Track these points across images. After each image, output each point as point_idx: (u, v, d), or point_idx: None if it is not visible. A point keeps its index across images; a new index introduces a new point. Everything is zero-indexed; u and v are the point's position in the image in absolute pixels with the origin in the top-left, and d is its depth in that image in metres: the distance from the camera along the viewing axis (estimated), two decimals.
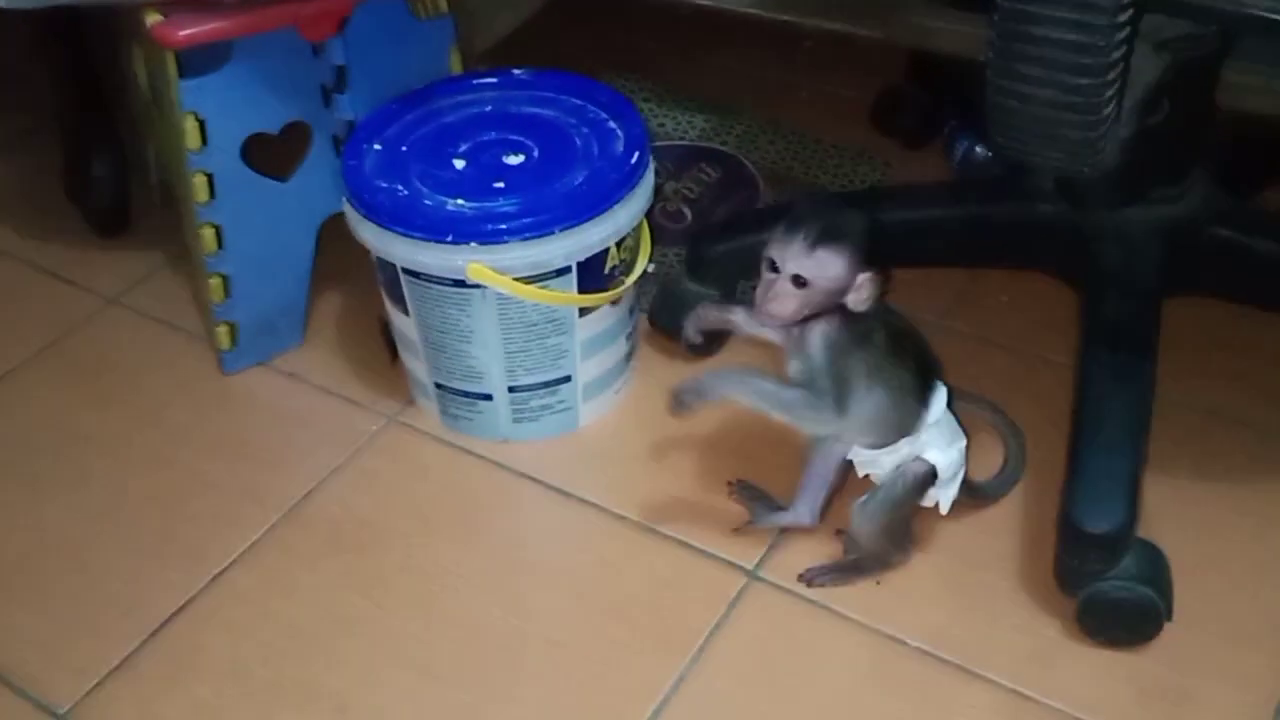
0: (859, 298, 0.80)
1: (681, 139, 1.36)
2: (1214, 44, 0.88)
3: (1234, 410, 1.01)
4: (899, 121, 1.34)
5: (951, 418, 0.87)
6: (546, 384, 1.00)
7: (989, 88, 0.70)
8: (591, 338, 1.00)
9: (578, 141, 1.00)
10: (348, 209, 0.98)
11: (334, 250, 1.08)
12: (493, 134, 1.01)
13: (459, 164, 0.98)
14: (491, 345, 0.97)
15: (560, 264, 0.93)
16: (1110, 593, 0.80)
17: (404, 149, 1.00)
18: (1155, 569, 0.81)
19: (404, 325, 1.01)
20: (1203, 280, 0.97)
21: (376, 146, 1.00)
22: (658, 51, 1.51)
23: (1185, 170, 0.95)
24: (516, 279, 0.93)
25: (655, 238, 1.08)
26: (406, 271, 0.95)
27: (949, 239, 1.07)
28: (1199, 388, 1.01)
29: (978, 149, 1.27)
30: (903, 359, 0.83)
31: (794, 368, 0.85)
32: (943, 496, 0.88)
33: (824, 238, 0.79)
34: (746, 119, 1.39)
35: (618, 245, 0.97)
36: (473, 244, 0.91)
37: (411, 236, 0.92)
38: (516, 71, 1.07)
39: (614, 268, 0.98)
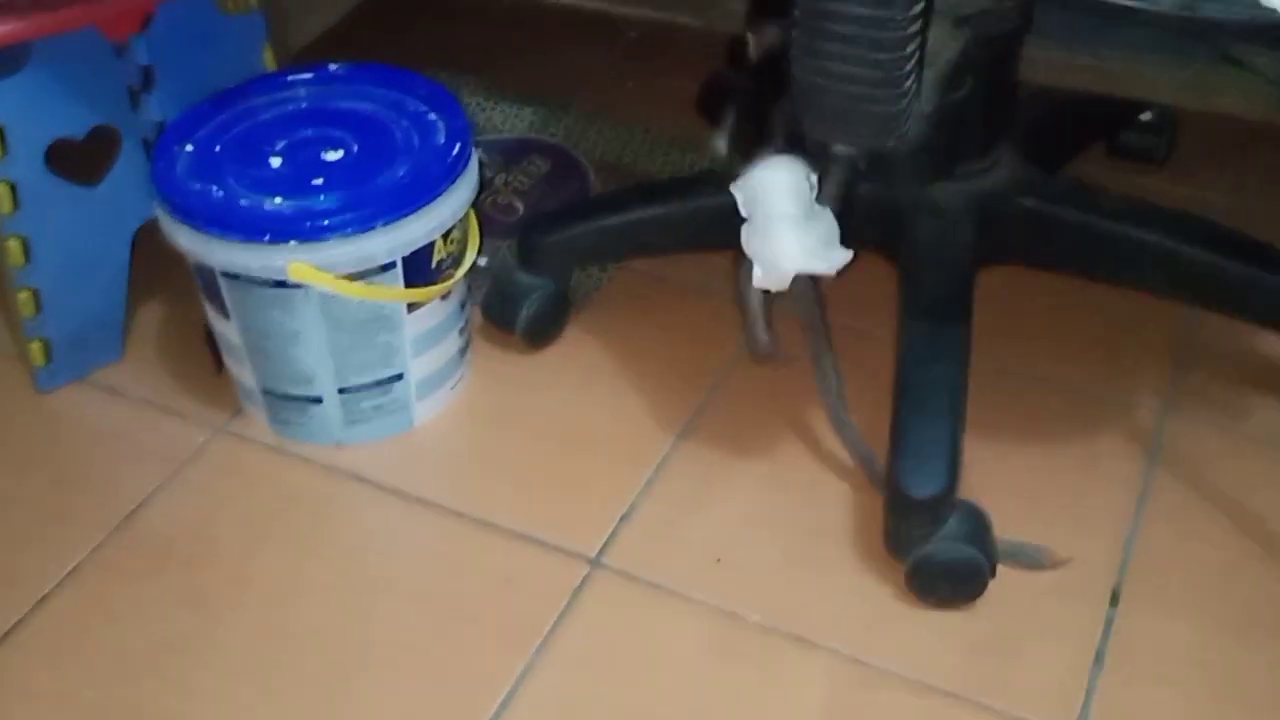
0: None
1: (510, 132, 1.36)
2: (1015, 20, 0.91)
3: (1047, 374, 1.05)
4: (723, 114, 1.35)
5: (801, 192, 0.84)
6: (378, 383, 0.99)
7: (794, 69, 0.71)
8: (422, 334, 0.98)
9: (398, 135, 0.98)
10: (160, 213, 0.94)
11: (151, 257, 1.04)
12: (310, 131, 0.99)
13: (275, 162, 0.96)
14: (318, 346, 0.95)
15: (384, 259, 0.92)
16: (936, 555, 0.83)
17: (217, 149, 0.97)
18: (978, 529, 0.84)
19: (226, 331, 0.98)
20: (1013, 250, 1.01)
21: (188, 148, 0.97)
22: (481, 48, 1.50)
23: (992, 145, 0.99)
24: (340, 276, 0.91)
25: (486, 230, 1.07)
26: (225, 275, 0.93)
27: None
28: (1014, 353, 1.05)
29: None
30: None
31: None
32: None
33: None
34: (575, 111, 1.39)
35: (444, 238, 0.96)
36: (292, 242, 0.89)
37: (228, 238, 0.90)
38: (333, 67, 1.05)
39: (441, 261, 0.97)
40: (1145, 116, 1.25)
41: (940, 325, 0.91)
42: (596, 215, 1.10)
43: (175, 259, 0.96)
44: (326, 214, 0.90)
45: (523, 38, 1.52)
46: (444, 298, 0.99)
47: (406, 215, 0.92)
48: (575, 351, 1.10)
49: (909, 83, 0.69)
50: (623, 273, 1.17)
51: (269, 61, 1.07)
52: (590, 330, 1.12)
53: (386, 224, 0.91)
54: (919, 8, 0.67)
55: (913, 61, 0.68)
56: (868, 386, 0.97)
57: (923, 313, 0.92)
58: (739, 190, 0.84)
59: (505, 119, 1.37)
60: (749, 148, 0.93)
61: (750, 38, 0.89)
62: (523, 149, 1.33)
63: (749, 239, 0.84)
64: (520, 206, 1.25)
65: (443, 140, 0.97)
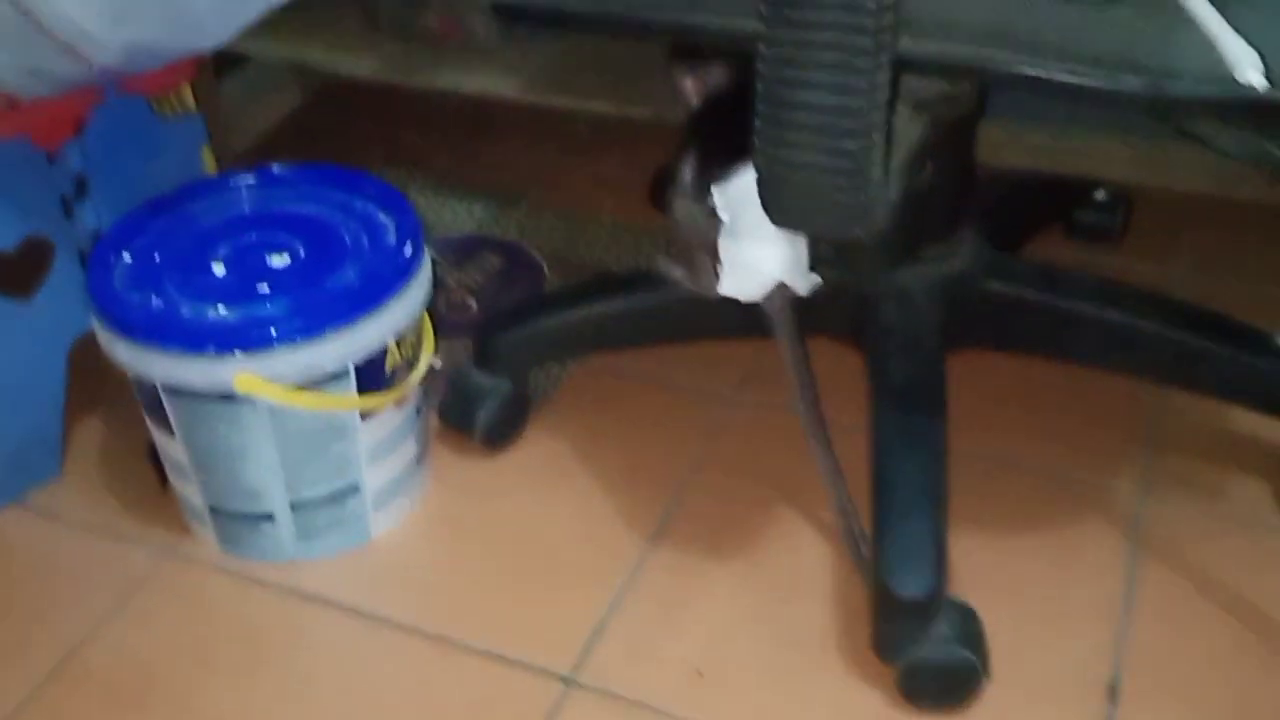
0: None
1: (461, 229, 1.33)
2: (971, 102, 0.90)
3: (1020, 457, 1.02)
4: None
5: None
6: (332, 496, 0.94)
7: (758, 159, 0.69)
8: (377, 443, 0.94)
9: (346, 237, 0.95)
10: (97, 326, 0.90)
11: (89, 371, 1.00)
12: (254, 236, 0.95)
13: (218, 269, 0.92)
14: (268, 461, 0.90)
15: (336, 367, 0.88)
16: (928, 658, 0.79)
17: (156, 258, 0.93)
18: (969, 629, 0.81)
19: (170, 448, 0.93)
20: (981, 333, 0.99)
21: (125, 257, 0.93)
22: (425, 146, 1.48)
23: (954, 227, 0.97)
24: (289, 387, 0.87)
25: (440, 330, 1.03)
26: (168, 389, 0.88)
27: (730, 313, 1.06)
28: (990, 439, 1.03)
29: None
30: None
31: None
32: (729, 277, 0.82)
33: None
34: (526, 205, 1.37)
35: (397, 343, 0.92)
36: (238, 353, 0.85)
37: (169, 351, 0.85)
38: (276, 169, 1.02)
39: (396, 367, 0.93)
40: (1099, 195, 1.25)
41: (914, 414, 0.88)
42: (553, 311, 1.07)
43: (114, 372, 0.91)
44: (274, 321, 0.86)
45: (466, 135, 1.50)
46: (398, 404, 0.95)
47: (358, 320, 0.88)
48: (537, 453, 1.06)
49: (876, 170, 0.67)
50: (581, 369, 1.14)
51: (209, 165, 1.04)
52: (551, 430, 1.08)
53: (337, 329, 0.87)
54: (885, 95, 0.65)
55: (879, 149, 0.66)
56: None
57: (895, 401, 0.90)
58: (719, 192, 0.81)
59: (455, 216, 1.35)
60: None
61: (687, 81, 0.87)
62: (474, 245, 1.30)
63: (725, 244, 0.81)
64: (474, 304, 1.22)
65: (393, 240, 0.94)
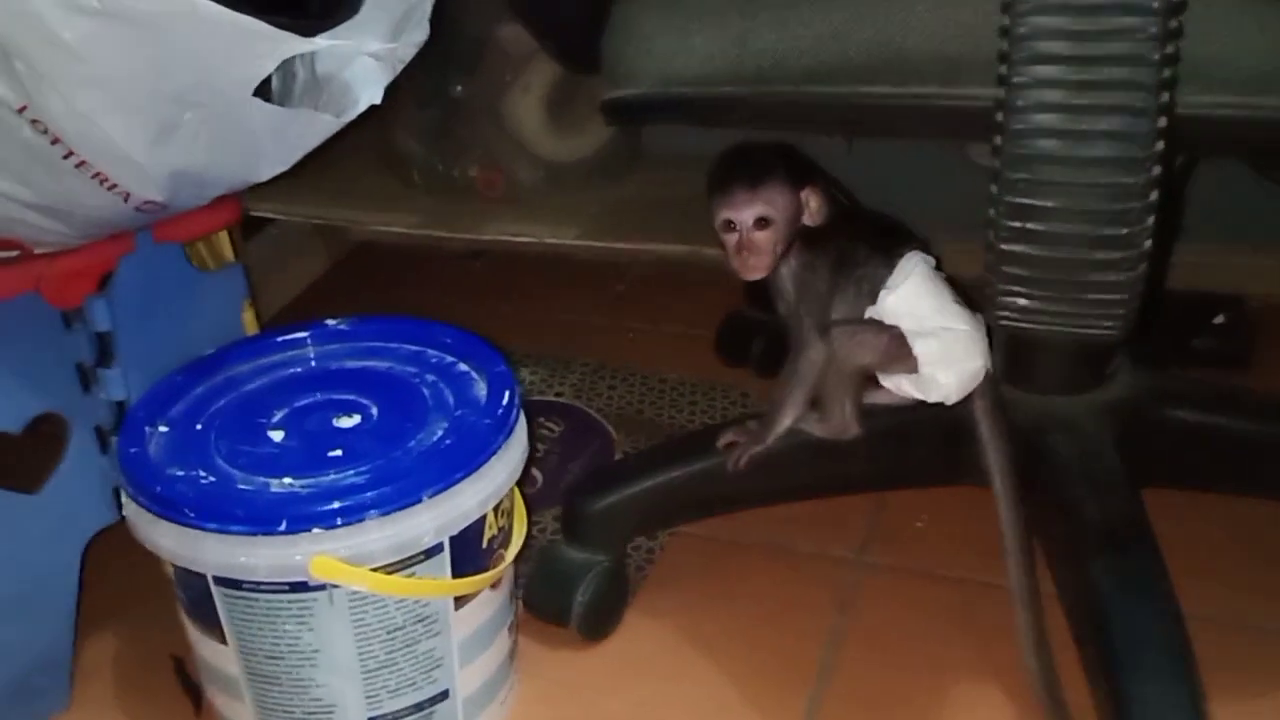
0: (811, 212, 0.81)
1: None
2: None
3: (1236, 614, 0.86)
4: (751, 348, 1.21)
5: (944, 292, 0.78)
6: (419, 706, 0.76)
7: (994, 244, 0.56)
8: (471, 636, 0.77)
9: (425, 392, 0.80)
10: (131, 510, 0.74)
11: (103, 576, 0.83)
12: (314, 396, 0.81)
13: (276, 435, 0.77)
14: (345, 665, 0.73)
15: (430, 541, 0.72)
16: None
17: (199, 427, 0.78)
18: None
19: (218, 658, 0.75)
20: (1164, 468, 0.85)
21: (162, 428, 0.78)
22: (461, 308, 1.35)
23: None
24: (376, 569, 0.70)
25: None
26: (222, 582, 0.71)
27: (854, 461, 0.92)
28: (1208, 593, 0.84)
29: None
30: (865, 255, 0.81)
31: (781, 308, 0.85)
32: (940, 374, 0.78)
33: (759, 173, 0.79)
34: (579, 366, 1.23)
35: (495, 510, 0.76)
36: (314, 530, 0.69)
37: (229, 532, 0.69)
38: (331, 323, 0.88)
39: (492, 539, 0.77)
40: (1218, 319, 1.14)
41: (1130, 558, 0.74)
42: (653, 471, 0.91)
43: (134, 574, 0.75)
44: (354, 490, 0.70)
45: (504, 296, 1.39)
46: (494, 587, 0.79)
47: (455, 483, 0.73)
48: (641, 640, 0.89)
49: (1147, 243, 0.54)
50: (675, 538, 0.99)
51: (250, 323, 0.89)
52: (653, 612, 0.92)
53: (432, 495, 0.71)
54: (1158, 162, 0.53)
55: (1152, 214, 0.54)
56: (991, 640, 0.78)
57: (1103, 546, 0.75)
58: (888, 301, 0.78)
59: None
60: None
61: (814, 195, 0.80)
62: (529, 412, 1.15)
63: (925, 349, 0.76)
64: (539, 476, 1.07)
65: (484, 391, 0.79)
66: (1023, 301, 0.57)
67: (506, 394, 0.78)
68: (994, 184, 0.54)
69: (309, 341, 0.86)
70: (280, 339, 0.86)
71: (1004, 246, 0.55)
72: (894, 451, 0.89)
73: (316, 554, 0.69)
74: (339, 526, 0.69)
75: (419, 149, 1.21)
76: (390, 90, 0.76)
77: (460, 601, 0.76)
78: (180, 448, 0.76)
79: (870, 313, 0.79)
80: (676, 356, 1.24)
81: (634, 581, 0.94)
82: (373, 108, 0.76)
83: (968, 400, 0.79)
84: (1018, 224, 0.54)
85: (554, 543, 0.90)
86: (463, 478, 0.73)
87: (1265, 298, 1.15)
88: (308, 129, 0.76)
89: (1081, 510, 0.78)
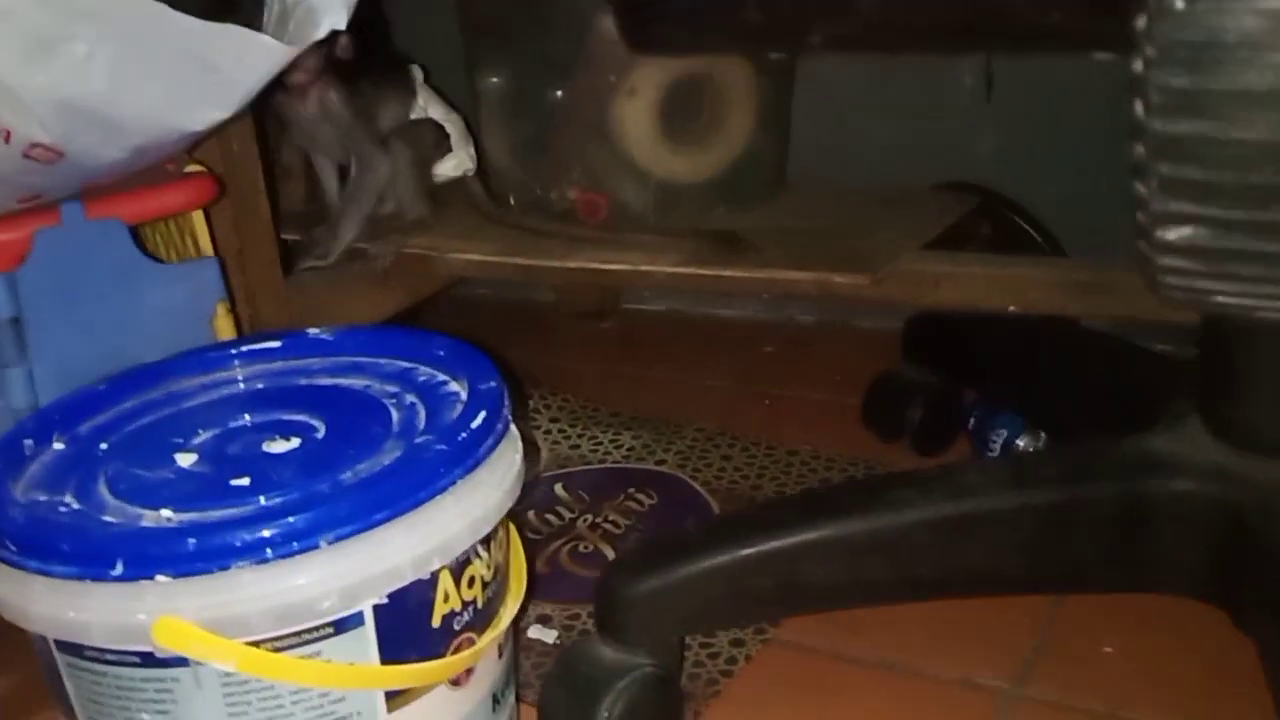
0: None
1: (601, 462, 0.97)
2: None
3: None
4: (906, 419, 0.95)
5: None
6: None
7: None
8: None
9: (394, 414, 0.60)
10: None
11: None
12: (258, 415, 0.62)
13: (185, 459, 0.58)
14: None
15: (337, 608, 0.51)
16: None
17: (103, 446, 0.60)
18: None
19: None
20: None
21: (58, 445, 0.60)
22: (558, 365, 1.16)
23: None
24: (254, 642, 0.50)
25: (560, 590, 0.67)
26: (63, 647, 0.52)
27: (1009, 552, 0.65)
28: None
29: (1021, 439, 0.89)
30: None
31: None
32: None
33: None
34: (691, 431, 1.00)
35: (455, 574, 0.55)
36: (158, 578, 0.49)
37: (52, 574, 0.50)
38: (311, 332, 0.69)
39: (452, 615, 0.55)
40: None
41: None
42: (717, 547, 0.67)
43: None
44: (233, 526, 0.50)
45: (632, 355, 1.19)
46: (455, 683, 0.56)
47: (377, 524, 0.51)
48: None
49: None
50: (769, 648, 0.74)
51: (224, 328, 0.72)
52: None
53: (341, 539, 0.50)
54: None
55: None
56: None
57: None
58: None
59: (596, 447, 0.99)
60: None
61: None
62: (619, 482, 0.93)
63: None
64: (612, 555, 0.84)
65: (458, 414, 0.58)
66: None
67: (481, 415, 0.57)
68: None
69: (279, 354, 0.68)
70: (244, 349, 0.68)
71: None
72: (1057, 538, 0.63)
73: (163, 614, 0.49)
74: (195, 574, 0.49)
75: (512, 166, 1.04)
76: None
77: (395, 700, 0.54)
78: (66, 468, 0.58)
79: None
80: (816, 426, 1.00)
81: (699, 698, 0.70)
82: None
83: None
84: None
85: (586, 637, 0.67)
86: (385, 520, 0.51)
87: None
88: (248, 56, 0.58)
89: None
